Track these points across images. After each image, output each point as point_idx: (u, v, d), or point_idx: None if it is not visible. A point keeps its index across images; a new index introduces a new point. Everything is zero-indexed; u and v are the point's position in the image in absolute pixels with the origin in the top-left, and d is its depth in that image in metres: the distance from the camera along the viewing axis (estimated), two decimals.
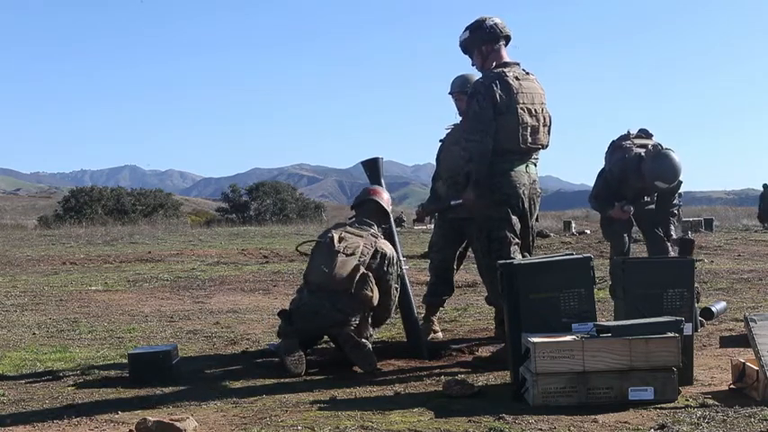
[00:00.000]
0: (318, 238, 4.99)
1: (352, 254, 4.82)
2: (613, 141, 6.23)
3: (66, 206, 36.62)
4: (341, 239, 4.88)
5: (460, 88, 5.55)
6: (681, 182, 6.02)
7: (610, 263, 6.20)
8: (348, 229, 5.00)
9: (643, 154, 5.92)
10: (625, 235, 6.13)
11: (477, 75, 5.28)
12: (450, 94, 5.69)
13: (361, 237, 4.93)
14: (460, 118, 5.56)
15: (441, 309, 5.87)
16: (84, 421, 3.59)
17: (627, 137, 6.15)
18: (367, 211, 5.16)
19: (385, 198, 5.20)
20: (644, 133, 6.17)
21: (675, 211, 6.35)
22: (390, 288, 4.94)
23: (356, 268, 4.78)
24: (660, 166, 5.78)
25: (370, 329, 4.99)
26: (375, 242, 4.92)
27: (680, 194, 6.63)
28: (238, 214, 39.36)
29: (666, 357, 3.63)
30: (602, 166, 6.25)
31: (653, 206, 6.16)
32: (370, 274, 4.80)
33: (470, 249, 5.68)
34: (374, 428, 3.32)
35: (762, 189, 27.31)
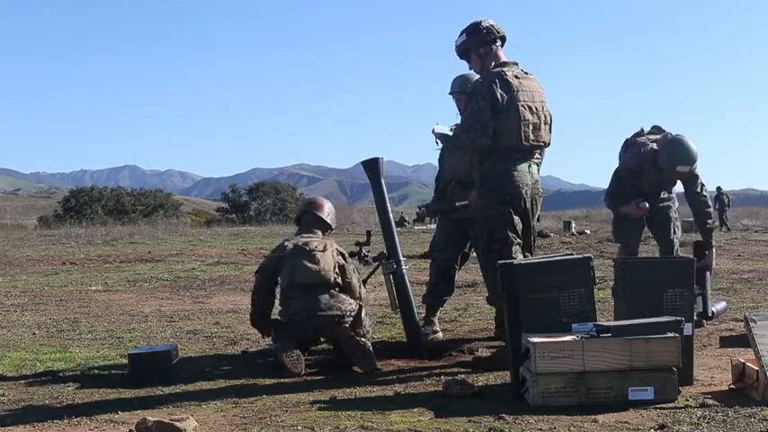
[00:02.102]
0: (280, 252, 5.00)
1: (324, 249, 4.94)
2: (627, 139, 6.24)
3: (67, 206, 36.61)
4: (305, 243, 4.97)
5: (460, 88, 5.55)
6: (696, 171, 5.94)
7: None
8: (301, 236, 5.09)
9: (657, 146, 5.93)
10: (636, 235, 6.11)
11: (476, 75, 5.30)
12: (450, 94, 5.69)
13: (318, 237, 5.07)
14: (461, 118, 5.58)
15: (440, 309, 5.87)
16: (84, 421, 3.59)
17: (641, 134, 6.18)
18: (306, 222, 5.25)
19: (324, 209, 5.26)
20: (657, 129, 6.19)
21: (709, 209, 6.16)
22: (358, 277, 5.15)
23: (335, 260, 4.91)
24: (675, 151, 5.77)
25: (366, 325, 5.02)
26: (331, 241, 5.07)
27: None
28: (238, 214, 39.35)
29: (666, 357, 3.63)
30: (617, 166, 6.24)
31: (668, 203, 6.13)
32: (345, 265, 4.97)
33: (474, 250, 5.68)
34: (374, 428, 3.32)
35: (716, 191, 27.55)
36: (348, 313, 4.82)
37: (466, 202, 5.29)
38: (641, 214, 6.00)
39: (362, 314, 4.98)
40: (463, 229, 5.55)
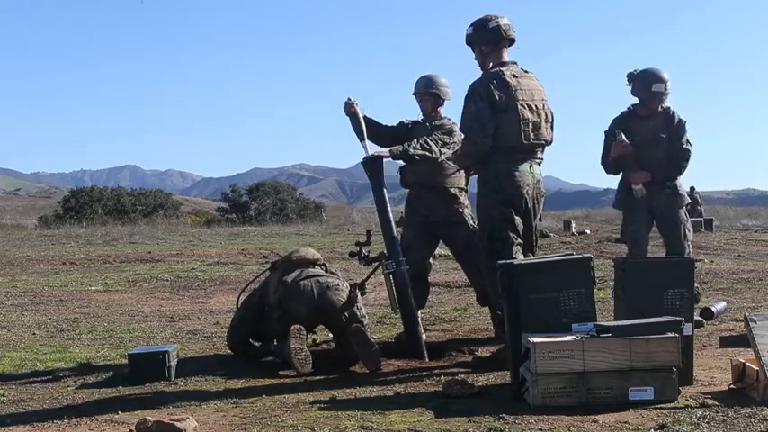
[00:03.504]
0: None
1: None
2: None
3: (67, 206, 36.59)
4: None
5: (424, 89, 5.53)
6: (681, 119, 5.96)
7: None
8: None
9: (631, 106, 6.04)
10: (643, 238, 6.06)
11: (442, 77, 5.48)
12: (413, 94, 5.63)
13: None
14: (422, 118, 5.57)
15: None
16: (84, 421, 3.59)
17: None
18: None
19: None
20: None
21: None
22: None
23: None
24: (645, 77, 5.87)
25: (359, 302, 4.96)
26: None
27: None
28: (238, 214, 39.32)
29: (666, 357, 3.63)
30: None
31: (674, 190, 6.00)
32: None
33: (450, 250, 5.69)
34: (374, 428, 3.32)
35: (689, 191, 27.54)
36: (342, 283, 4.96)
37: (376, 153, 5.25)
38: (625, 151, 5.86)
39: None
40: (432, 231, 5.52)
